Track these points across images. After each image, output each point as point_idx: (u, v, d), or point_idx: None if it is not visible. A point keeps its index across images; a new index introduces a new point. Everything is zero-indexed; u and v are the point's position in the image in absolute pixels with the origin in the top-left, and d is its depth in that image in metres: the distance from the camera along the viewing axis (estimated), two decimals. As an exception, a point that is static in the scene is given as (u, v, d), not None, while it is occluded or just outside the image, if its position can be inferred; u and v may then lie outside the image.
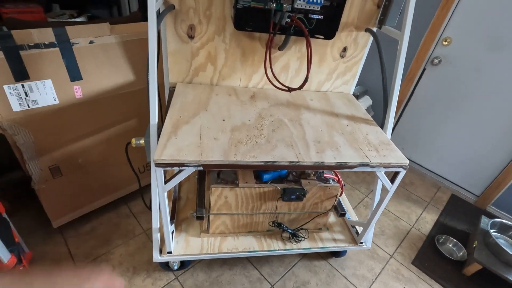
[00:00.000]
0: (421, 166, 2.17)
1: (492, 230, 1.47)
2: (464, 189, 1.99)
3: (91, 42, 1.07)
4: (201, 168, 0.82)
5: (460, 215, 1.77)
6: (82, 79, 1.10)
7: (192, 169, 0.82)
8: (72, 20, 1.90)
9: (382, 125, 1.11)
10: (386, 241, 1.52)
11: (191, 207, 1.33)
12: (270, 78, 1.15)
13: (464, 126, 1.88)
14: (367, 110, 2.12)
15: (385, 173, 0.97)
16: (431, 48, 1.84)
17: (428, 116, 2.02)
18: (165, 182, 0.87)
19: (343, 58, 1.24)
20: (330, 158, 0.88)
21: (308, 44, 0.99)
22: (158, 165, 0.79)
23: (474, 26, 1.67)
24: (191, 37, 1.09)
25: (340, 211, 1.25)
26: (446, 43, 1.79)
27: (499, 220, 1.51)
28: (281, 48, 1.15)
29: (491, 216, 1.66)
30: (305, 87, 1.30)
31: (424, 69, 1.93)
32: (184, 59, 1.13)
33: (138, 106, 1.29)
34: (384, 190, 1.05)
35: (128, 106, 1.27)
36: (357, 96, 1.96)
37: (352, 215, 1.41)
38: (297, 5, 0.97)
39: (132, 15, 1.33)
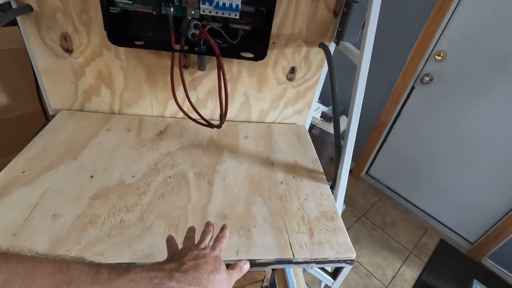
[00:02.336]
0: (406, 200, 1.85)
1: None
2: (456, 233, 1.67)
3: None
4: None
5: (449, 271, 1.45)
6: None
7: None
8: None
9: (333, 182, 0.79)
10: (353, 307, 1.22)
11: None
12: (186, 107, 0.83)
13: (459, 157, 1.56)
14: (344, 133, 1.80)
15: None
16: (421, 63, 1.51)
17: (416, 142, 1.70)
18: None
19: (292, 81, 0.92)
20: (229, 252, 0.57)
21: (220, 68, 0.68)
22: None
23: (475, 39, 1.34)
24: (69, 50, 0.77)
25: None
26: (440, 57, 1.46)
27: None
28: (200, 67, 0.84)
29: (486, 275, 1.34)
30: (245, 117, 0.99)
31: (412, 88, 1.61)
32: (65, 79, 0.82)
33: (19, 138, 0.98)
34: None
35: (2, 138, 0.96)
36: (331, 118, 1.65)
37: None
38: (203, 11, 0.65)
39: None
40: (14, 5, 0.69)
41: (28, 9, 0.69)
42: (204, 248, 0.43)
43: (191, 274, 0.38)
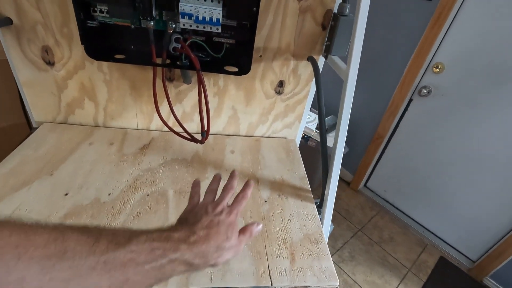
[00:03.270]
0: (405, 214, 1.80)
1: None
2: (457, 250, 1.61)
3: None
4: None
5: (449, 289, 1.40)
6: None
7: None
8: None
9: (320, 201, 0.76)
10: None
11: None
12: (172, 120, 0.81)
13: (459, 171, 1.52)
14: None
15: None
16: (419, 75, 1.49)
17: (415, 155, 1.66)
18: None
19: (281, 95, 0.90)
20: (202, 279, 0.53)
21: (200, 83, 0.66)
22: None
23: (473, 52, 1.31)
24: (50, 63, 0.76)
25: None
26: (438, 70, 1.44)
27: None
28: (185, 81, 0.82)
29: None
30: (233, 131, 0.97)
31: (410, 100, 1.58)
32: (48, 92, 0.81)
33: (3, 149, 0.97)
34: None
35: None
36: (327, 129, 1.62)
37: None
38: (184, 25, 0.63)
39: None
40: (-6, 18, 0.68)
41: (7, 22, 0.68)
42: (220, 213, 0.42)
43: (199, 246, 0.36)
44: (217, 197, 0.47)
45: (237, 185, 0.50)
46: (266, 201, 0.73)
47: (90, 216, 0.61)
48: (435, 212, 1.66)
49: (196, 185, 0.50)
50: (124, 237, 0.32)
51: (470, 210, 1.52)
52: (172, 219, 0.63)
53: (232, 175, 0.50)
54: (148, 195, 0.68)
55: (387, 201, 1.89)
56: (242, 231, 0.44)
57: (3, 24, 0.68)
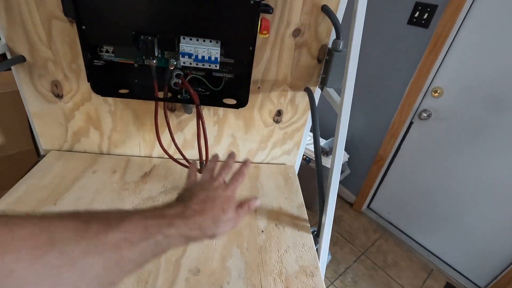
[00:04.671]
0: (410, 237, 1.77)
1: None
2: (464, 276, 1.56)
3: None
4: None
5: (456, 317, 1.35)
6: None
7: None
8: None
9: (317, 230, 0.77)
10: None
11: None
12: (173, 148, 0.84)
13: (464, 195, 1.50)
14: (342, 167, 1.77)
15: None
16: (418, 99, 1.51)
17: (419, 177, 1.65)
18: None
19: (279, 123, 0.93)
20: (196, 314, 0.54)
21: (199, 118, 0.69)
22: None
23: (471, 77, 1.33)
24: (59, 96, 0.80)
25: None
26: (437, 94, 1.45)
27: None
28: (186, 111, 0.85)
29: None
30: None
31: (411, 123, 1.59)
32: (56, 122, 0.85)
33: (12, 175, 1.00)
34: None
35: (-4, 175, 0.98)
36: (328, 152, 1.63)
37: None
38: (184, 63, 0.67)
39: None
40: (8, 56, 0.73)
41: (21, 59, 0.73)
42: (217, 188, 0.42)
43: (194, 219, 0.36)
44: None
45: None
46: (263, 231, 0.73)
47: (90, 247, 0.62)
48: (441, 236, 1.63)
49: (192, 165, 0.51)
50: (115, 218, 0.32)
51: (477, 234, 1.49)
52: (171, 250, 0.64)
53: (230, 155, 0.51)
54: (147, 225, 0.70)
55: (391, 223, 1.86)
56: (240, 205, 0.44)
57: (17, 62, 0.73)
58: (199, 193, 0.41)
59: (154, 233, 0.33)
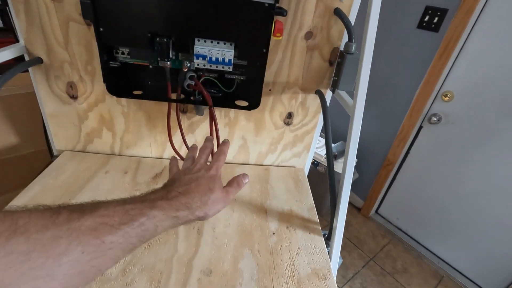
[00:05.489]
0: (419, 243, 1.74)
1: None
2: (475, 283, 1.53)
3: None
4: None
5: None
6: None
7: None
8: None
9: (329, 233, 0.76)
10: None
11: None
12: (184, 150, 0.84)
13: (474, 200, 1.48)
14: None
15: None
16: (428, 103, 1.50)
17: (428, 182, 1.63)
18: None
19: (290, 125, 0.93)
20: (209, 314, 0.54)
21: (212, 119, 0.69)
22: None
23: (481, 82, 1.32)
24: (74, 97, 0.82)
25: None
26: (447, 98, 1.44)
27: None
28: (197, 113, 0.86)
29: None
30: (242, 159, 0.99)
31: (420, 127, 1.58)
32: (70, 123, 0.86)
33: (25, 174, 1.02)
34: None
35: (10, 175, 0.99)
36: (336, 155, 1.62)
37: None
38: (198, 65, 0.68)
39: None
40: (26, 58, 0.75)
41: (38, 61, 0.75)
42: (199, 170, 0.41)
43: (179, 199, 0.36)
44: None
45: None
46: (274, 233, 0.73)
47: (103, 246, 0.63)
48: (451, 242, 1.60)
49: (173, 159, 0.51)
50: (90, 206, 0.31)
51: (488, 241, 1.46)
52: (181, 250, 0.65)
53: (206, 139, 0.52)
54: (159, 225, 0.70)
55: (400, 229, 1.84)
56: (230, 183, 0.44)
57: (35, 63, 0.75)
58: (182, 178, 0.40)
59: (136, 216, 0.32)
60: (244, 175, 0.46)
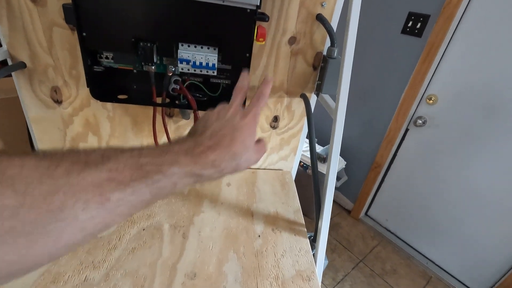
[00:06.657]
0: (408, 244, 1.76)
1: None
2: (463, 283, 1.56)
3: None
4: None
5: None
6: None
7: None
8: None
9: (314, 235, 0.77)
10: None
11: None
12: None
13: (461, 201, 1.51)
14: (339, 173, 1.78)
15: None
16: (413, 106, 1.53)
17: (416, 184, 1.66)
18: None
19: (276, 129, 0.94)
20: (192, 318, 0.54)
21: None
22: None
23: (464, 85, 1.36)
24: (58, 101, 0.81)
25: None
26: (431, 101, 1.48)
27: None
28: (183, 117, 0.86)
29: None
30: (230, 162, 0.99)
31: (407, 129, 1.61)
32: (54, 127, 0.86)
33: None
34: None
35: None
36: (325, 158, 1.64)
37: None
38: (182, 69, 0.68)
39: None
40: (9, 62, 0.74)
41: (22, 66, 0.74)
42: (233, 117, 0.35)
43: (207, 156, 0.31)
44: None
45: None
46: (259, 236, 0.73)
47: (86, 252, 0.62)
48: (439, 243, 1.63)
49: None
50: (100, 155, 0.26)
51: (475, 241, 1.49)
52: (166, 254, 0.65)
53: (242, 76, 0.44)
54: (144, 229, 0.70)
55: (389, 231, 1.86)
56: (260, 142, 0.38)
57: (18, 68, 0.74)
58: (213, 124, 0.34)
59: (151, 172, 0.27)
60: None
